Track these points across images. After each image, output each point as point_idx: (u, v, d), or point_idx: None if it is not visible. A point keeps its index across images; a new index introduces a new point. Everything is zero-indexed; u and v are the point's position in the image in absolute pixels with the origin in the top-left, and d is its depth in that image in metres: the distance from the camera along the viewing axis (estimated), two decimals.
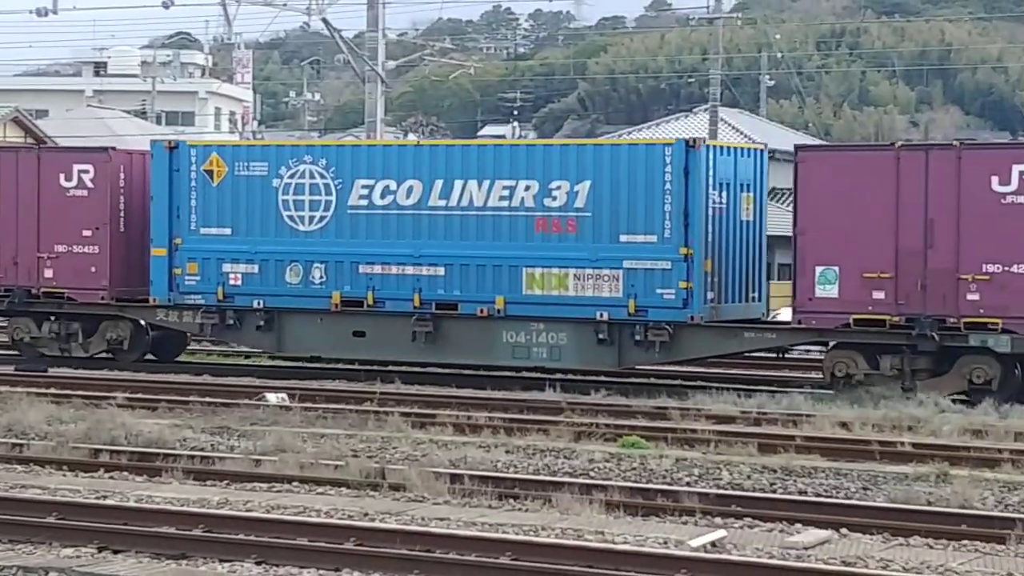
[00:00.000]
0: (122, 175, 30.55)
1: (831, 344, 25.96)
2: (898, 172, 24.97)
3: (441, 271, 27.77)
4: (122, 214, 30.52)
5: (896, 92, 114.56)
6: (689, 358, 27.44)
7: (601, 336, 26.63)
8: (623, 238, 26.55)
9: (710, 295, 26.36)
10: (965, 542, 13.85)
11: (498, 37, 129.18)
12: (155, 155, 29.97)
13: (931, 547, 13.75)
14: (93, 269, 30.11)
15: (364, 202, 28.34)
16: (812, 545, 13.60)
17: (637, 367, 27.77)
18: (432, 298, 27.85)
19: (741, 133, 54.75)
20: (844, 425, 21.42)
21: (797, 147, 27.17)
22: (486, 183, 27.46)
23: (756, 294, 27.85)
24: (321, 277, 28.54)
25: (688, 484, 17.08)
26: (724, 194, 26.83)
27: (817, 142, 57.04)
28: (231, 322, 29.28)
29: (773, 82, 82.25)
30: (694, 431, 21.17)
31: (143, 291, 30.09)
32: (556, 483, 16.38)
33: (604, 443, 19.93)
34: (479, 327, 27.56)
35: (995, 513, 15.34)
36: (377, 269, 28.16)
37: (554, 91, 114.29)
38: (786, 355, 29.82)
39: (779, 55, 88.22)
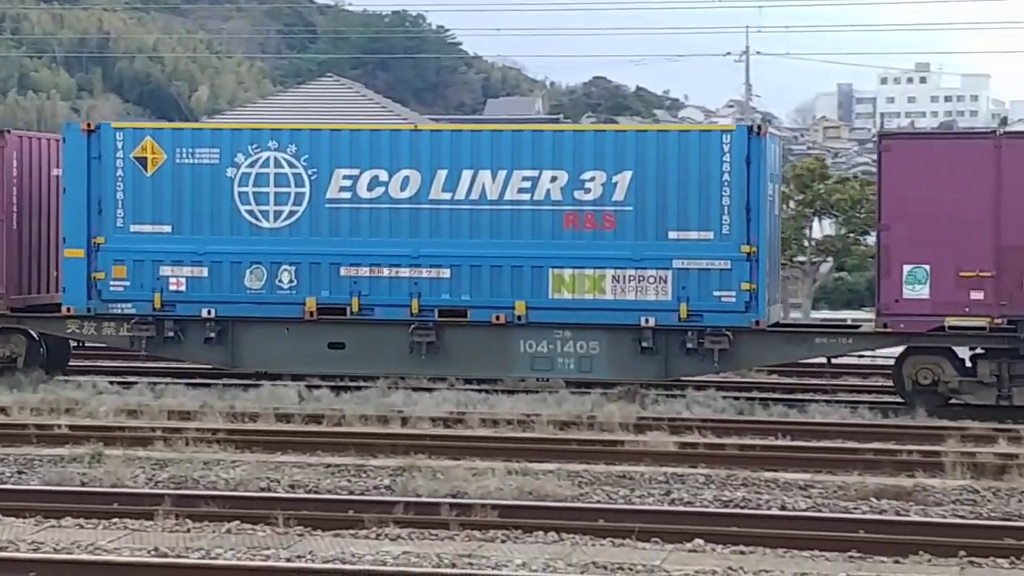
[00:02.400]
0: (15, 163, 25.73)
1: (903, 349, 23.78)
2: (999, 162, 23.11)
3: (446, 273, 24.50)
4: (15, 209, 25.78)
5: (57, 78, 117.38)
6: (750, 367, 25.22)
7: (645, 344, 23.86)
8: (672, 235, 23.92)
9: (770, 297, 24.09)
10: (116, 520, 14.18)
11: None
12: (68, 139, 25.42)
13: (83, 527, 14.00)
14: None
15: (346, 195, 24.76)
16: None
17: (682, 378, 24.93)
18: (434, 304, 24.56)
19: None
20: (2, 410, 21.34)
21: (881, 135, 25.15)
22: (502, 173, 24.31)
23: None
24: (291, 281, 24.81)
25: None
26: (772, 185, 24.63)
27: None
28: (171, 334, 25.12)
29: None
30: None
31: (38, 299, 25.87)
32: None
33: None
34: (492, 336, 24.37)
35: (145, 490, 15.83)
36: (364, 271, 24.66)
37: None
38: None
39: None
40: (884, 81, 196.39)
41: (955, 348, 23.36)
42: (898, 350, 23.90)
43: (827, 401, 23.75)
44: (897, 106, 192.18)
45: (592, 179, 24.08)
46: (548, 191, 24.17)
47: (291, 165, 24.74)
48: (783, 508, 15.48)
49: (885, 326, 23.35)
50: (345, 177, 24.64)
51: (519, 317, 24.10)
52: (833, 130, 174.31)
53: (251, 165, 24.79)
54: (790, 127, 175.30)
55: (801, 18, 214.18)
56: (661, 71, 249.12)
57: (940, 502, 15.77)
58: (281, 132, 25.26)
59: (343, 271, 24.61)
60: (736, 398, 23.73)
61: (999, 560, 12.95)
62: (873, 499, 15.80)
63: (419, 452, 18.24)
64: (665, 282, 23.82)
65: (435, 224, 24.47)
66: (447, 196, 24.40)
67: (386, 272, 24.52)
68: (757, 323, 23.63)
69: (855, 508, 15.49)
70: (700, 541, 13.46)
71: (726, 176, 23.70)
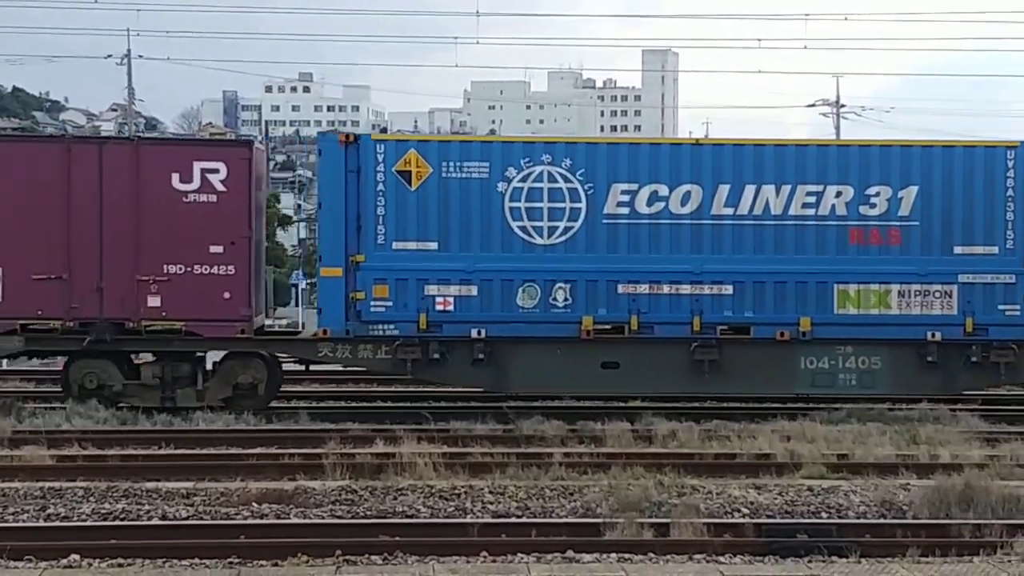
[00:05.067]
0: (253, 176, 23.97)
1: None
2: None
3: (728, 289, 24.08)
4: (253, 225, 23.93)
5: None
6: None
7: (929, 359, 24.17)
8: (957, 249, 24.35)
9: None
10: None
11: None
12: (324, 151, 23.95)
13: None
14: (227, 295, 23.52)
15: (624, 210, 24.12)
16: None
17: (964, 392, 25.45)
18: (716, 321, 24.10)
19: None
20: None
21: None
22: (786, 188, 24.21)
23: None
24: (566, 299, 23.96)
25: None
26: None
27: None
28: (436, 356, 23.69)
29: None
30: None
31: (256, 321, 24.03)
32: None
33: None
34: (774, 353, 24.12)
35: None
36: (643, 288, 24.02)
37: None
38: None
39: None
40: (269, 89, 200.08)
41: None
42: None
43: (211, 408, 23.49)
44: (283, 114, 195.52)
45: (877, 194, 24.21)
46: (833, 206, 24.14)
47: (566, 179, 23.94)
48: (164, 518, 15.29)
49: None
50: (623, 192, 24.00)
51: (803, 333, 23.96)
52: (219, 137, 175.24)
53: (523, 179, 23.89)
54: (176, 132, 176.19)
55: (181, 23, 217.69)
56: (39, 72, 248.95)
57: (320, 503, 15.93)
58: (555, 145, 24.24)
59: (621, 288, 23.89)
60: (120, 408, 23.28)
61: (373, 557, 13.29)
62: (255, 504, 15.76)
63: None
64: (951, 296, 24.20)
65: (717, 240, 24.05)
66: (729, 211, 24.05)
67: (666, 289, 23.94)
68: None
69: (237, 514, 15.40)
70: (76, 556, 13.20)
71: (1009, 191, 24.24)
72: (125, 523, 14.76)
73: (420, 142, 24.23)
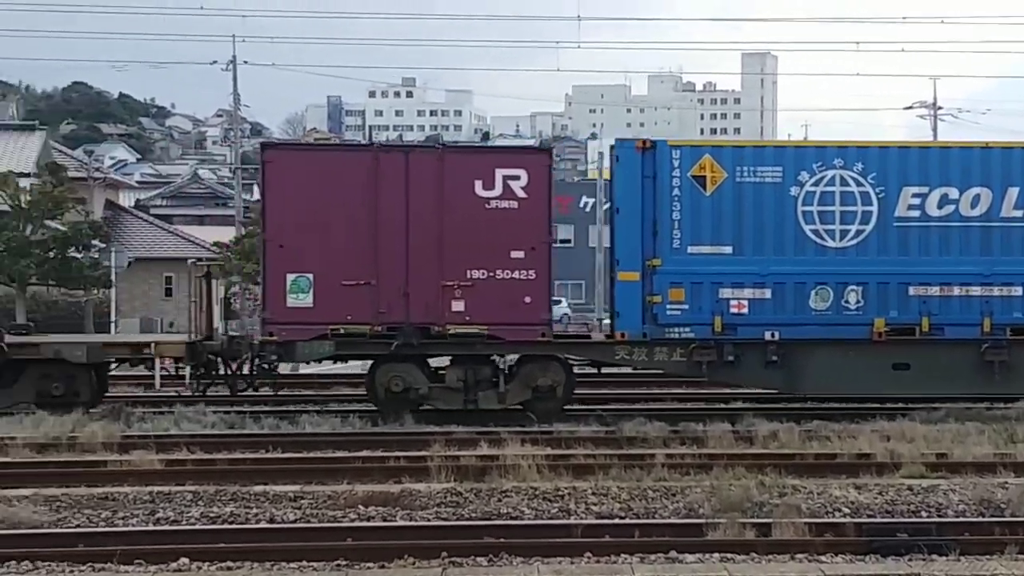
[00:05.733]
0: (552, 182, 24.26)
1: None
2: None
3: (1018, 291, 24.27)
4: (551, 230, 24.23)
5: None
6: None
7: None
8: None
9: None
10: None
11: None
12: (621, 157, 24.18)
13: None
14: (527, 300, 23.76)
15: (915, 213, 24.25)
16: None
17: None
18: (1005, 322, 24.34)
19: None
20: None
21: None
22: None
23: None
24: (858, 301, 24.09)
25: None
26: None
27: None
28: (730, 358, 23.90)
29: None
30: None
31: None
32: None
33: None
34: None
35: None
36: (934, 291, 24.20)
37: None
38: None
39: None
40: (372, 94, 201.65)
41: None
42: None
43: (319, 412, 23.95)
44: (386, 119, 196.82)
45: None
46: None
47: (857, 183, 24.01)
48: (272, 521, 15.34)
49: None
50: (914, 195, 24.07)
51: None
52: (324, 141, 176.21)
53: (816, 183, 23.97)
54: (280, 138, 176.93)
55: (286, 29, 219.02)
56: (145, 78, 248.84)
57: (425, 506, 15.98)
58: (847, 149, 24.31)
59: (912, 291, 24.00)
60: (227, 412, 23.60)
61: (479, 559, 13.30)
62: (361, 507, 15.82)
63: None
64: None
65: (1007, 242, 24.22)
66: (1018, 214, 24.22)
67: (956, 291, 24.12)
68: None
69: (343, 516, 15.46)
70: (186, 560, 13.22)
71: None
72: (234, 526, 14.87)
73: (714, 148, 24.51)
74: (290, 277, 23.32)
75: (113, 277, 43.37)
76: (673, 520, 15.04)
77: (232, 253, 47.16)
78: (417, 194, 23.43)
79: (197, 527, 14.80)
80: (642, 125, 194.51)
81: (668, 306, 23.69)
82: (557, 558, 13.23)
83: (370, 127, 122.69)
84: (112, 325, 42.55)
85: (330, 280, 23.28)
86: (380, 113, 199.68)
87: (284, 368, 25.33)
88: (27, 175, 48.78)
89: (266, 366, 23.75)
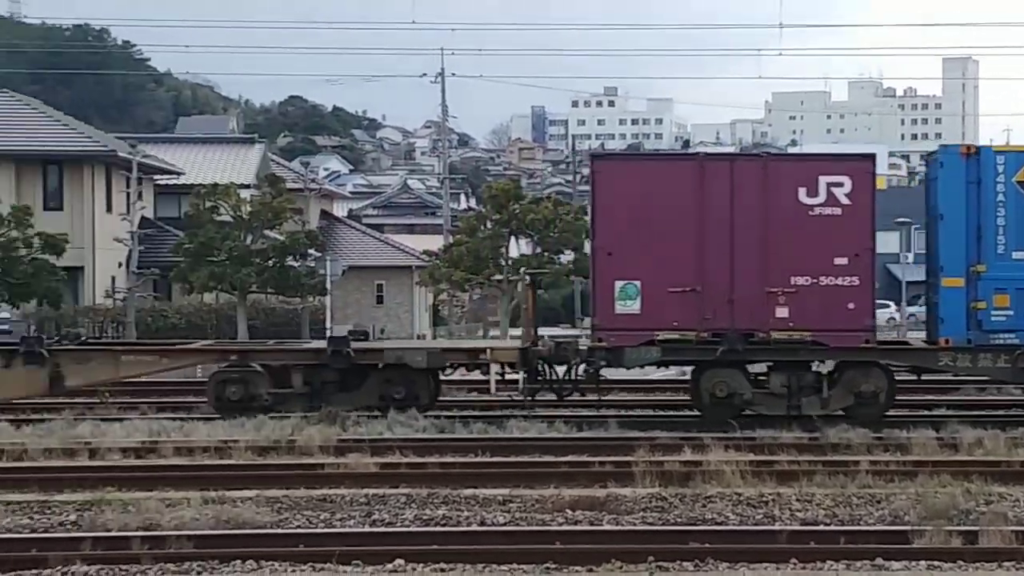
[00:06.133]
0: (875, 189, 23.77)
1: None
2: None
3: None
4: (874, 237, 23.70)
5: None
6: None
7: None
8: None
9: None
10: None
11: None
12: (945, 163, 23.66)
13: None
14: (851, 306, 23.43)
15: None
16: None
17: None
18: None
19: None
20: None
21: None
22: None
23: None
24: None
25: None
26: None
27: None
28: None
29: None
30: None
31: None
32: None
33: None
34: None
35: None
36: None
37: None
38: None
39: None
40: (575, 104, 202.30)
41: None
42: None
43: (525, 417, 24.02)
44: (588, 128, 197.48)
45: None
46: None
47: None
48: (482, 524, 15.52)
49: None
50: None
51: None
52: (528, 151, 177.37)
53: None
54: (486, 148, 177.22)
55: (493, 41, 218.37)
56: (357, 91, 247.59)
57: (631, 510, 16.10)
58: None
59: None
60: (437, 417, 23.79)
61: (685, 563, 13.39)
62: (569, 511, 15.99)
63: (108, 485, 17.38)
64: None
65: None
66: None
67: None
68: None
69: (551, 520, 15.63)
70: (401, 561, 13.43)
71: None
72: (446, 529, 15.09)
73: None
74: (618, 284, 23.53)
75: (328, 285, 44.30)
76: (879, 527, 15.05)
77: (440, 261, 48.02)
78: (741, 202, 23.43)
79: (411, 529, 15.11)
80: (842, 131, 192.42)
81: (993, 312, 23.45)
82: (763, 564, 13.30)
83: (572, 136, 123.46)
84: (327, 331, 43.60)
85: (657, 287, 23.44)
86: (583, 122, 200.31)
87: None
88: (247, 187, 50.32)
89: (592, 371, 23.98)
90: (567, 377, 24.45)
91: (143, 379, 27.04)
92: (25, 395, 24.96)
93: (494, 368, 25.67)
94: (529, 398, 24.69)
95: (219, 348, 26.90)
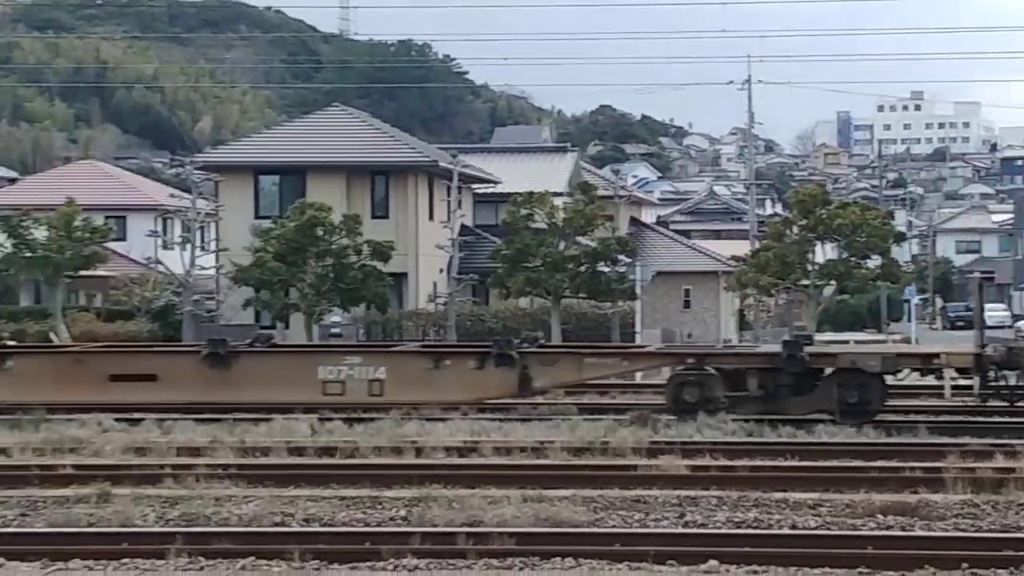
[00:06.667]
0: None
1: None
2: None
3: None
4: None
5: (53, 109, 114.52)
6: None
7: None
8: None
9: None
10: (126, 560, 13.85)
11: None
12: None
13: (91, 569, 13.70)
14: None
15: None
16: None
17: None
18: None
19: None
20: (3, 451, 20.90)
21: None
22: None
23: None
24: None
25: None
26: None
27: None
28: None
29: None
30: None
31: None
32: None
33: None
34: None
35: (155, 529, 15.43)
36: None
37: None
38: None
39: None
40: (881, 109, 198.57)
41: None
42: None
43: (832, 421, 23.81)
44: (893, 133, 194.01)
45: None
46: None
47: None
48: (793, 527, 15.43)
49: None
50: None
51: None
52: (833, 156, 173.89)
53: None
54: (791, 154, 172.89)
55: (800, 48, 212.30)
56: (665, 99, 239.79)
57: (943, 516, 15.96)
58: None
59: None
60: (746, 420, 23.67)
61: (999, 571, 13.22)
62: (879, 516, 15.87)
63: (434, 482, 17.79)
64: None
65: None
66: None
67: None
68: None
69: (863, 525, 15.49)
70: (715, 562, 13.44)
71: None
72: (758, 531, 15.06)
73: None
74: None
75: (638, 290, 45.10)
76: None
77: (748, 266, 48.30)
78: None
79: (724, 531, 15.11)
80: None
81: None
82: None
83: (878, 141, 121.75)
84: (636, 336, 44.32)
85: None
86: (888, 127, 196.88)
87: None
88: (560, 194, 51.50)
89: None
90: (1020, 383, 24.20)
91: None
92: (496, 396, 25.90)
93: (948, 373, 25.67)
94: (981, 403, 24.62)
95: (676, 352, 26.92)
